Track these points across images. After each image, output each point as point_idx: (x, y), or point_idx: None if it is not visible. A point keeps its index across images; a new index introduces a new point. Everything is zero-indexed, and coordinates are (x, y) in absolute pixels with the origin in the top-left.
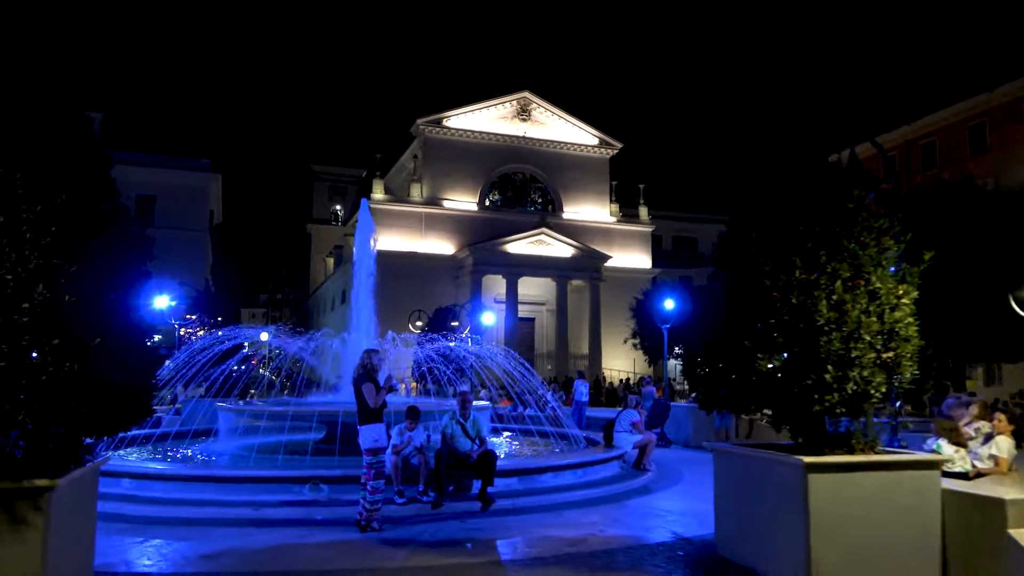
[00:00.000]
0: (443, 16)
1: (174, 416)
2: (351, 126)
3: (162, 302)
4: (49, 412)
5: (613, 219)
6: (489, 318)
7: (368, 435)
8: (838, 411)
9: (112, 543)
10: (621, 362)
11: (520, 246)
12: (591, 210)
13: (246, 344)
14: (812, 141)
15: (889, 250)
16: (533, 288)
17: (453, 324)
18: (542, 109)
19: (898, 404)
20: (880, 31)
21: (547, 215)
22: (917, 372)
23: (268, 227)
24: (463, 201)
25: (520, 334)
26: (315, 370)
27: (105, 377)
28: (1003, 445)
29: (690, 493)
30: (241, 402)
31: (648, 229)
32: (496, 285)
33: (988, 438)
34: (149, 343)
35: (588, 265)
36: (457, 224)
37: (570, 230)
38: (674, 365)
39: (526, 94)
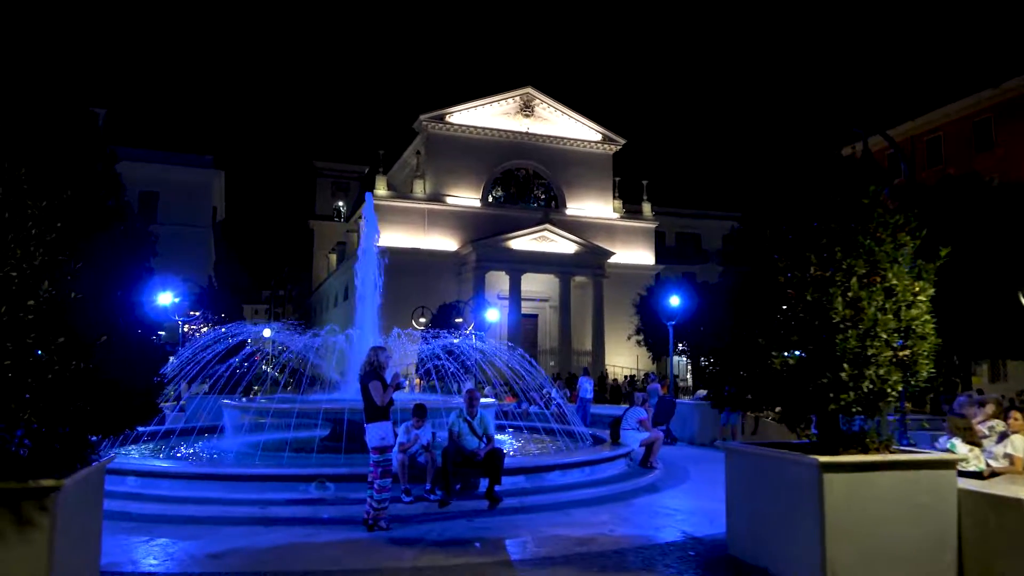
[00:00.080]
0: (446, 12)
1: (178, 413)
2: (354, 122)
3: (166, 299)
4: (55, 411)
5: (616, 215)
6: (493, 314)
7: (375, 433)
8: (854, 410)
9: (118, 542)
10: (624, 359)
11: (523, 242)
12: (594, 206)
13: (249, 340)
14: (818, 136)
15: (905, 246)
16: (536, 284)
17: (457, 320)
18: (545, 105)
19: (901, 404)
20: (884, 26)
21: (550, 211)
22: (934, 370)
23: (271, 223)
24: (466, 197)
25: (523, 330)
26: (319, 367)
27: (111, 375)
28: (1019, 444)
29: (698, 491)
30: (245, 399)
31: (651, 225)
32: (499, 281)
33: (1003, 437)
34: (155, 340)
35: (591, 261)
36: (460, 220)
37: (573, 226)
38: (678, 361)
39: (529, 90)
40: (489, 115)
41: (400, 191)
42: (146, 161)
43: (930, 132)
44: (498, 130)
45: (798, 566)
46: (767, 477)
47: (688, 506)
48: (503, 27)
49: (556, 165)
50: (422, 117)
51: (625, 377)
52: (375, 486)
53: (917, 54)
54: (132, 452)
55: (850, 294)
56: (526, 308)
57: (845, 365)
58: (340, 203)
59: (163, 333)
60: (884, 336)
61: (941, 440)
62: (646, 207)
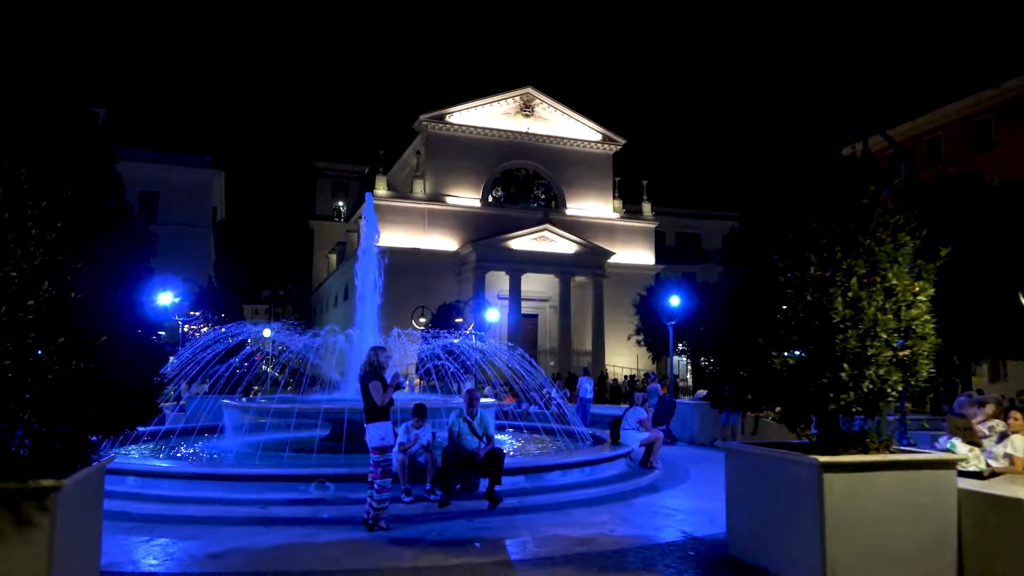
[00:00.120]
0: (446, 12)
1: (178, 413)
2: (354, 122)
3: (166, 299)
4: (55, 411)
5: (616, 215)
6: (493, 314)
7: (375, 433)
8: (854, 410)
9: (118, 542)
10: (624, 359)
11: (523, 242)
12: (594, 206)
13: (249, 341)
14: (817, 136)
15: (905, 246)
16: (536, 284)
17: (457, 320)
18: (545, 105)
19: (901, 404)
20: (884, 26)
21: (550, 211)
22: (933, 370)
23: (271, 223)
24: (466, 197)
25: (523, 330)
26: (319, 367)
27: (111, 375)
28: (1019, 444)
29: (698, 491)
30: (244, 399)
31: (651, 225)
32: (499, 281)
33: (1003, 437)
34: (155, 340)
35: (591, 261)
36: (460, 220)
37: (573, 226)
38: (678, 361)
39: (529, 90)
40: (489, 115)
41: (400, 191)
42: (146, 161)
43: (930, 132)
44: (498, 130)
45: (798, 566)
46: (767, 477)
47: (688, 506)
48: (503, 27)
49: (556, 165)
50: (422, 117)
51: (625, 377)
52: (375, 486)
53: (917, 54)
54: (132, 452)
55: (850, 294)
56: (526, 308)
57: (845, 365)
58: (340, 203)
59: (163, 333)
60: (884, 336)
61: (941, 440)
62: (646, 207)
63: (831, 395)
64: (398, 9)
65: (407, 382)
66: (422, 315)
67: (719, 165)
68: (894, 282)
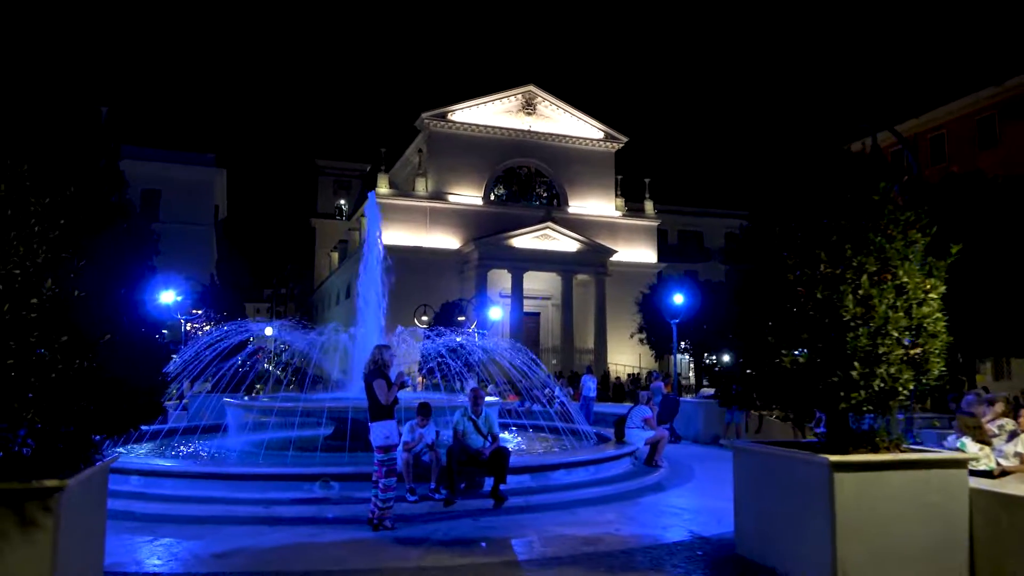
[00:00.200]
0: (447, 9)
1: (181, 412)
2: (355, 120)
3: (168, 297)
4: (58, 410)
5: (618, 213)
6: (496, 313)
7: (379, 432)
8: (864, 409)
9: (122, 542)
10: (627, 357)
11: (525, 240)
12: (596, 204)
13: (252, 339)
14: (820, 134)
15: (916, 243)
16: (538, 282)
17: (460, 319)
18: (547, 103)
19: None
20: (887, 24)
21: (552, 209)
22: (945, 369)
23: (272, 222)
24: (468, 195)
25: (525, 329)
26: (322, 366)
27: (115, 374)
28: None
29: (704, 490)
30: (247, 398)
31: (654, 223)
32: (501, 279)
33: (1012, 435)
34: (158, 338)
35: (594, 259)
36: (462, 218)
37: (575, 224)
38: (681, 360)
39: (531, 88)
40: (491, 113)
41: (402, 189)
42: (148, 159)
43: (933, 130)
44: (500, 128)
45: (807, 566)
46: (776, 476)
47: (694, 505)
48: (505, 25)
49: (558, 163)
50: (424, 115)
51: (629, 375)
52: (380, 485)
53: (920, 52)
54: (135, 451)
55: (861, 292)
56: (528, 306)
57: (856, 363)
58: (342, 201)
59: (166, 332)
60: (895, 334)
61: (950, 439)
62: (648, 205)
63: (842, 394)
64: (400, 7)
65: (412, 381)
66: (424, 313)
67: (721, 163)
68: (905, 279)
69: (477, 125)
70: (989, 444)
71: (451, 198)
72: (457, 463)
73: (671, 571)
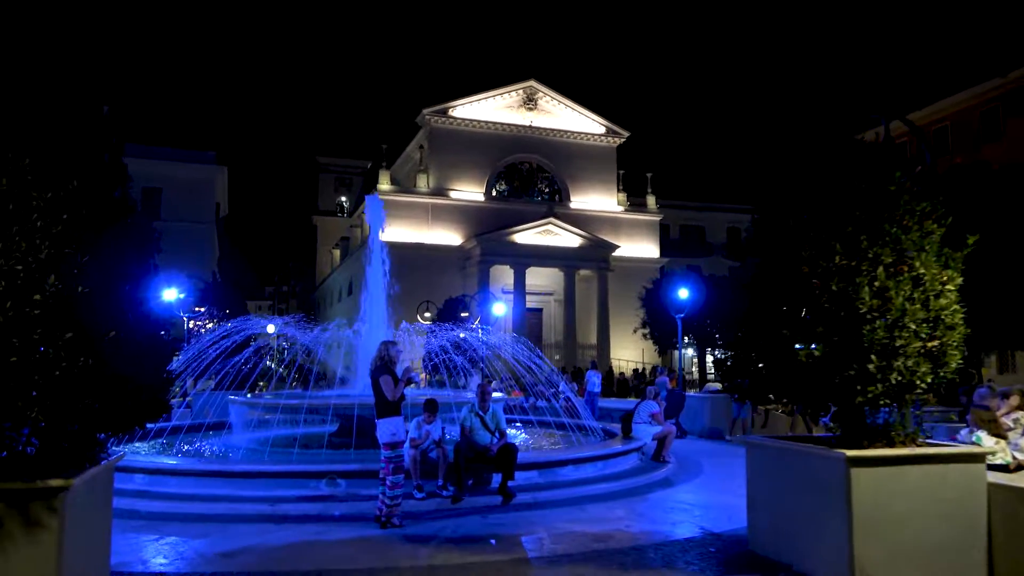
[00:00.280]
0: (448, 5)
1: (184, 410)
2: (356, 117)
3: (170, 295)
4: (63, 409)
5: (620, 208)
6: (500, 308)
7: (386, 429)
8: (881, 403)
9: (127, 541)
10: (629, 352)
11: (528, 236)
12: (598, 199)
13: (256, 336)
14: (826, 125)
15: (932, 234)
16: (541, 278)
17: (463, 315)
18: (548, 98)
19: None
20: (889, 16)
21: (554, 205)
22: (962, 362)
23: (274, 219)
24: (470, 191)
25: (528, 324)
26: (327, 363)
27: (120, 372)
28: None
29: (713, 486)
30: (250, 395)
31: (656, 218)
32: (504, 275)
33: None
34: (163, 335)
35: (596, 255)
36: (464, 214)
37: (578, 220)
38: (685, 355)
39: (532, 83)
40: (492, 108)
41: (403, 185)
42: (149, 158)
43: (936, 122)
44: (501, 123)
45: (823, 562)
46: (791, 471)
47: (704, 501)
48: (505, 20)
49: (560, 158)
50: (425, 111)
51: (634, 371)
52: (387, 482)
53: (922, 44)
54: (140, 449)
55: (877, 284)
56: (531, 302)
57: (873, 356)
58: (343, 198)
59: (170, 328)
60: (913, 327)
61: (963, 433)
62: (650, 200)
63: (858, 387)
64: (400, 3)
65: (417, 377)
66: (427, 310)
67: (723, 157)
68: (922, 271)
69: (478, 121)
70: (1005, 438)
71: (453, 194)
72: (464, 459)
73: (684, 568)
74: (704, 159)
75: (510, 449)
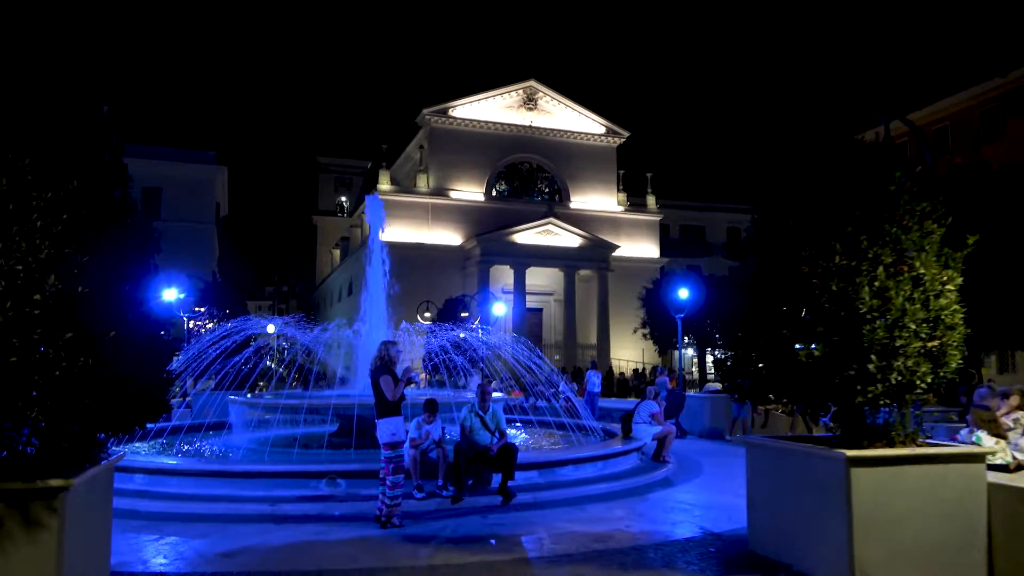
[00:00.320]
0: (448, 5)
1: (184, 410)
2: (356, 117)
3: (170, 295)
4: (63, 409)
5: (621, 208)
6: (500, 308)
7: (386, 429)
8: (881, 403)
9: (127, 541)
10: (629, 352)
11: (528, 236)
12: (598, 199)
13: (256, 336)
14: (825, 125)
15: (932, 234)
16: (541, 278)
17: (463, 315)
18: (548, 98)
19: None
20: (888, 16)
21: (554, 205)
22: (962, 362)
23: (274, 219)
24: (470, 191)
25: (528, 324)
26: (327, 363)
27: (120, 371)
28: None
29: (712, 486)
30: (250, 395)
31: (656, 218)
32: (504, 275)
33: None
34: (163, 335)
35: (596, 255)
36: (464, 214)
37: (578, 220)
38: (685, 355)
39: (532, 83)
40: (492, 108)
41: (403, 185)
42: (149, 158)
43: (936, 122)
44: (501, 123)
45: (823, 562)
46: (791, 471)
47: (704, 501)
48: (505, 20)
49: (560, 158)
50: (425, 111)
51: (633, 371)
52: (387, 482)
53: (923, 44)
54: (140, 449)
55: (877, 284)
56: (530, 302)
57: (873, 356)
58: (343, 198)
59: (170, 328)
60: (913, 327)
61: (963, 433)
62: (650, 200)
63: (858, 387)
64: (400, 3)
65: (417, 377)
66: (427, 310)
67: (723, 157)
68: (922, 271)
69: (478, 121)
70: (1005, 438)
71: (453, 194)
72: (465, 459)
73: (685, 568)
74: (704, 159)
75: (510, 449)
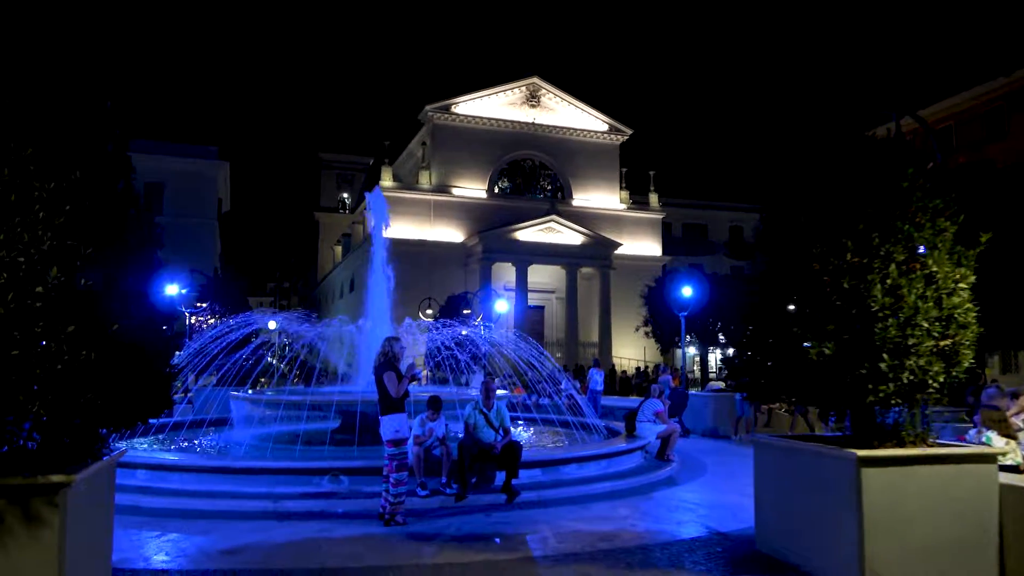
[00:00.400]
0: (451, 1)
1: (186, 406)
2: (359, 113)
3: (172, 290)
4: (65, 403)
5: (623, 206)
6: (503, 306)
7: (389, 426)
8: (893, 402)
9: (129, 537)
10: (631, 350)
11: (530, 233)
12: (601, 197)
13: (258, 332)
14: (832, 122)
15: (945, 231)
16: (542, 276)
17: (465, 312)
18: (551, 95)
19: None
20: (893, 15)
21: (556, 202)
22: (974, 361)
23: (276, 215)
24: (472, 188)
25: (530, 322)
26: (329, 359)
27: (123, 366)
28: None
29: (717, 485)
30: (252, 391)
31: (658, 216)
32: (505, 272)
33: None
34: (166, 330)
35: (598, 252)
36: (466, 211)
37: (580, 217)
38: (687, 353)
39: (535, 80)
40: (495, 105)
41: (406, 182)
42: (151, 153)
43: (940, 122)
44: (504, 120)
45: (833, 563)
46: (800, 471)
47: (708, 500)
48: (508, 16)
49: (562, 156)
50: (427, 108)
51: (636, 369)
52: (391, 480)
53: (927, 43)
54: (142, 444)
55: (889, 281)
56: (532, 300)
57: (885, 355)
58: (345, 195)
59: (172, 323)
60: (925, 325)
61: (971, 433)
62: (653, 198)
63: (870, 387)
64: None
65: (423, 373)
66: (429, 306)
67: (726, 155)
68: (934, 269)
69: (481, 117)
70: (1014, 438)
71: (455, 191)
72: (469, 457)
73: (692, 568)
74: (707, 157)
75: (514, 447)
